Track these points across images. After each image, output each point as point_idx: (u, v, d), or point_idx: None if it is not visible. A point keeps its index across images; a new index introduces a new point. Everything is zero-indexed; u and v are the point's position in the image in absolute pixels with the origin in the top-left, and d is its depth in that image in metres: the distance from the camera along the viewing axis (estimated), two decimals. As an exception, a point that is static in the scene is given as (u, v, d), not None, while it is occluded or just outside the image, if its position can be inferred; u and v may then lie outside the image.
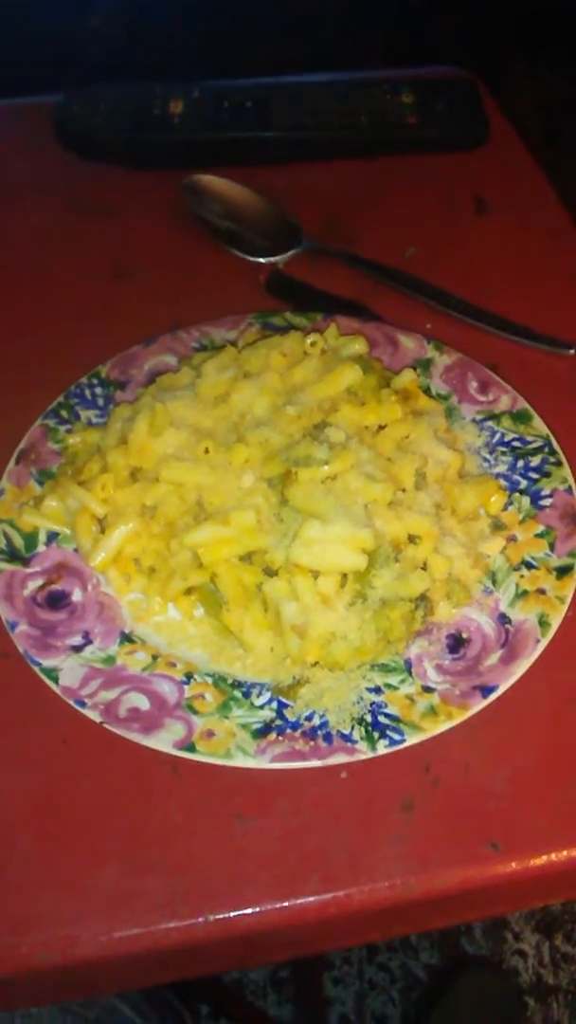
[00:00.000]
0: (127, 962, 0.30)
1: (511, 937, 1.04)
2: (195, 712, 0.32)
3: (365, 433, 0.36)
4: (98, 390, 0.42)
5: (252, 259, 0.50)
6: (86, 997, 0.43)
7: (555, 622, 0.34)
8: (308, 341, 0.39)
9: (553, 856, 0.31)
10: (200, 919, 0.30)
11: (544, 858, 0.31)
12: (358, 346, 0.39)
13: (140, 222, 0.52)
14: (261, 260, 0.50)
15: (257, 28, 1.84)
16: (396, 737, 0.31)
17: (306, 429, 0.36)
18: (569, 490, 0.38)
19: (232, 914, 0.30)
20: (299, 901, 0.30)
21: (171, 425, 0.36)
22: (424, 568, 0.34)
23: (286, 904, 0.30)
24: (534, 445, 0.39)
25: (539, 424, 0.40)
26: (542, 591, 0.35)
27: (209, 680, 0.33)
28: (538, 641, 0.34)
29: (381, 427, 0.37)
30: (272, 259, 0.50)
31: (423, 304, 0.47)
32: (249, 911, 0.30)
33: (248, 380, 0.38)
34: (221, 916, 0.30)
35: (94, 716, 0.32)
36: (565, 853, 0.31)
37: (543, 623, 0.34)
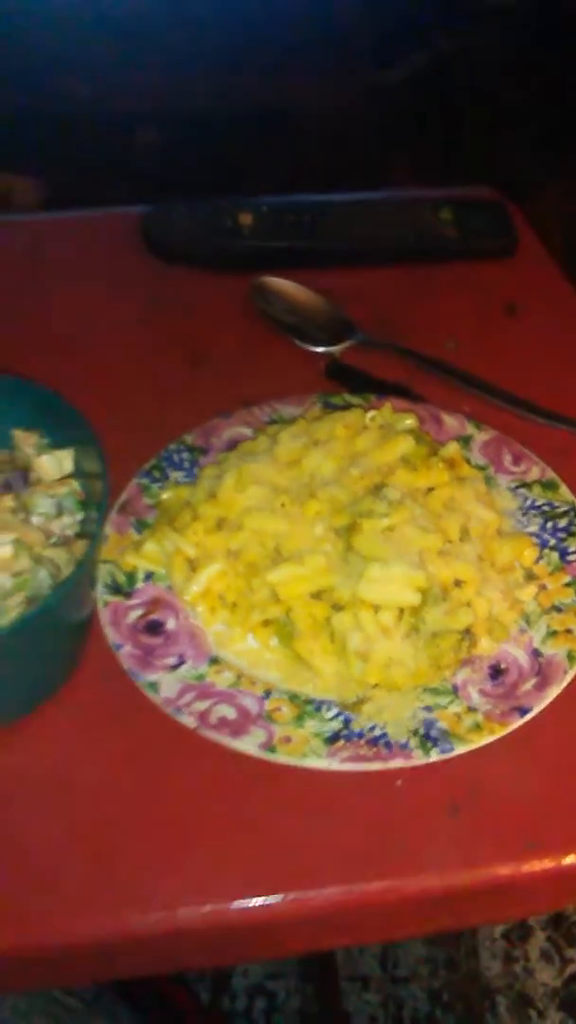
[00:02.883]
0: (216, 934, 0.35)
1: (535, 1015, 1.05)
2: (274, 722, 0.38)
3: (417, 494, 0.43)
4: (184, 455, 0.49)
5: (312, 349, 0.57)
6: (173, 968, 0.46)
7: (582, 655, 0.40)
8: (368, 416, 0.46)
9: (582, 853, 0.36)
10: (280, 897, 0.35)
11: (574, 856, 0.36)
12: (410, 421, 0.46)
13: (214, 317, 0.60)
14: (320, 350, 0.57)
15: (298, 147, 2.00)
16: (446, 747, 0.37)
17: (367, 488, 0.43)
18: (592, 548, 0.44)
19: (308, 893, 0.35)
20: (362, 886, 0.35)
21: (253, 483, 0.43)
22: (468, 607, 0.40)
23: (351, 888, 0.35)
24: (561, 509, 0.46)
25: (565, 492, 0.46)
26: (569, 631, 0.41)
27: (285, 696, 0.39)
28: (566, 672, 0.39)
29: (430, 489, 0.43)
30: (330, 349, 0.57)
31: (462, 389, 0.54)
32: (320, 892, 0.35)
33: (317, 447, 0.45)
34: (297, 895, 0.35)
35: (190, 722, 0.38)
36: (593, 850, 0.36)
37: (571, 657, 0.40)
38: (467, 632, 0.40)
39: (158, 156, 2.35)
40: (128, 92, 2.36)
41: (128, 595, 0.42)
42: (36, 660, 0.37)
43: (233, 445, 0.49)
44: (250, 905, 0.35)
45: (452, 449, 0.45)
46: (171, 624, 0.41)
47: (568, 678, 0.39)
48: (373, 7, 2.38)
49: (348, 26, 2.32)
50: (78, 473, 0.43)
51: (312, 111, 2.32)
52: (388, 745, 0.37)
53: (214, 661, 0.40)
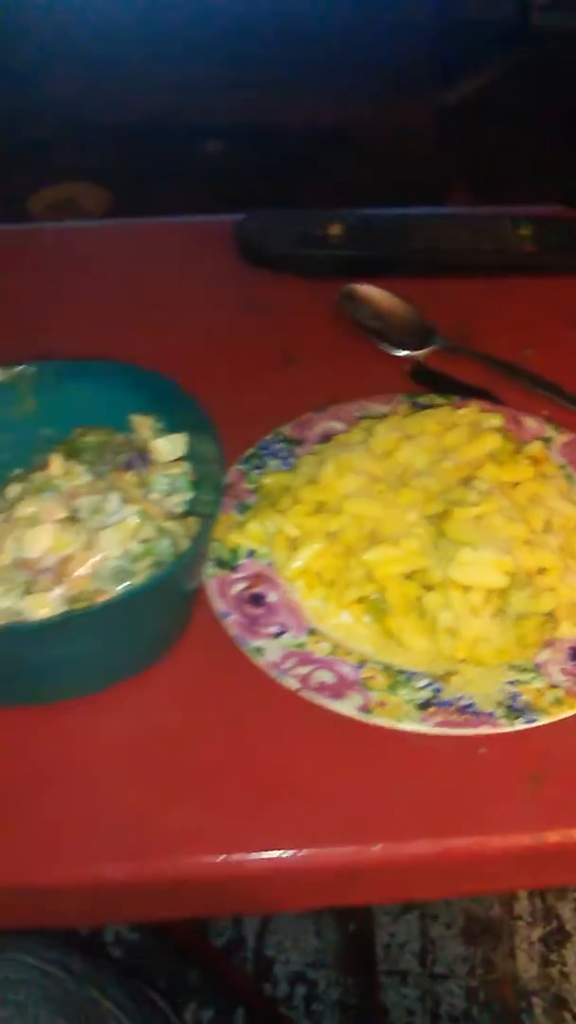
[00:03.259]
0: (310, 877, 0.39)
1: (571, 1018, 1.07)
2: (369, 688, 0.41)
3: (504, 487, 0.46)
4: (281, 445, 0.52)
5: (397, 353, 0.61)
6: (266, 908, 0.49)
7: None
8: (457, 414, 0.49)
9: None
10: (373, 846, 0.38)
11: None
12: (496, 420, 0.50)
13: (304, 320, 0.64)
14: (404, 354, 0.61)
15: (358, 164, 2.05)
16: (531, 717, 0.40)
17: (457, 480, 0.46)
18: None
19: (397, 845, 0.38)
20: (449, 841, 0.39)
21: (351, 471, 0.47)
22: (551, 592, 0.43)
23: (438, 842, 0.38)
24: None
25: None
26: None
27: (378, 666, 0.42)
28: None
29: (515, 484, 0.47)
30: (413, 353, 0.61)
31: (539, 394, 0.57)
32: (409, 844, 0.38)
33: (410, 440, 0.48)
34: (386, 846, 0.38)
35: (293, 684, 0.41)
36: None
37: None
38: (549, 615, 0.43)
39: (223, 169, 2.41)
40: (195, 106, 2.43)
41: (232, 569, 0.46)
42: (157, 619, 0.41)
43: (326, 438, 0.52)
44: (343, 852, 0.38)
45: (536, 447, 0.49)
46: (272, 597, 0.45)
47: None
48: (433, 29, 2.42)
49: (409, 47, 2.36)
50: (189, 456, 0.47)
51: (372, 130, 2.36)
52: (476, 713, 0.40)
53: (312, 632, 0.44)
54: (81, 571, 0.40)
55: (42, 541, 0.40)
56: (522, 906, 1.16)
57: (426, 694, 0.41)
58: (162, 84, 2.40)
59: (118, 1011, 0.50)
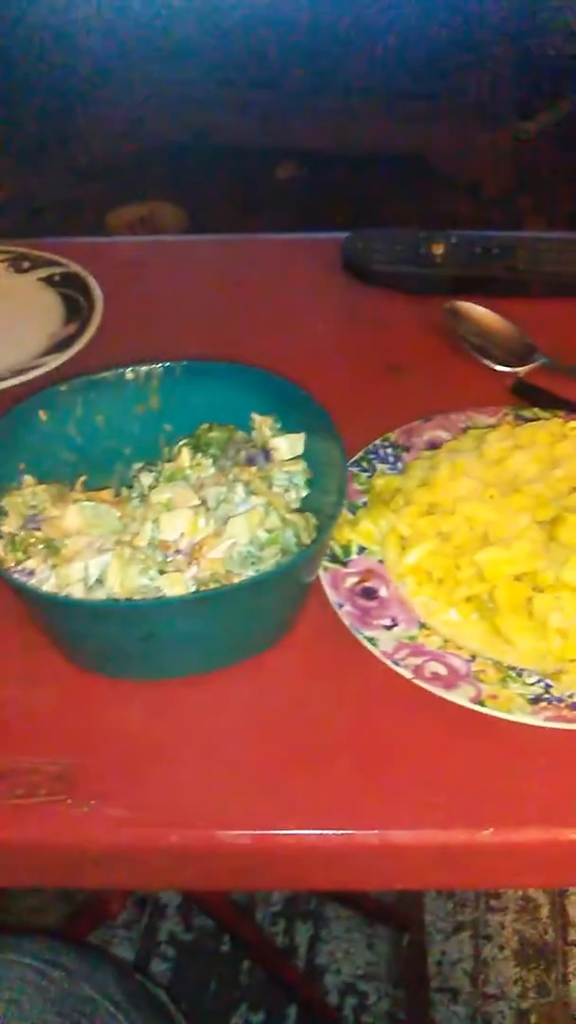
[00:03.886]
0: (420, 856, 0.40)
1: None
2: (481, 681, 0.43)
3: (614, 497, 0.48)
4: (389, 450, 0.55)
5: (499, 368, 0.63)
6: (368, 886, 0.50)
7: None
8: (569, 425, 0.51)
9: None
10: (484, 831, 0.40)
11: None
12: (605, 434, 0.51)
13: (409, 333, 0.66)
14: (506, 369, 0.63)
15: (436, 190, 2.07)
16: None
17: (569, 488, 0.48)
18: None
19: (509, 831, 0.40)
20: (561, 831, 0.40)
21: (464, 475, 0.49)
22: None
23: (550, 831, 0.40)
24: None
25: None
26: None
27: (489, 661, 0.44)
28: None
29: (625, 495, 0.48)
30: (515, 369, 0.63)
31: None
32: (520, 831, 0.40)
33: (521, 449, 0.50)
34: (499, 830, 0.40)
35: (406, 673, 0.43)
36: None
37: None
38: None
39: (300, 189, 2.46)
40: (273, 130, 2.48)
41: (344, 564, 0.48)
42: (281, 603, 0.43)
43: (433, 445, 0.54)
44: (456, 835, 0.40)
45: None
46: (383, 592, 0.47)
47: None
48: (512, 63, 2.46)
49: (489, 79, 2.40)
50: (306, 455, 0.50)
51: (451, 157, 2.39)
52: (586, 711, 0.42)
53: (423, 626, 0.46)
54: (213, 554, 0.42)
55: (178, 525, 0.43)
56: (577, 932, 1.16)
57: (537, 690, 0.43)
58: (240, 108, 2.47)
59: (115, 1009, 0.51)
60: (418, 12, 2.31)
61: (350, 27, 2.38)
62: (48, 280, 0.71)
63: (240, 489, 0.45)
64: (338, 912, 1.15)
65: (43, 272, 0.72)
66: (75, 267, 0.71)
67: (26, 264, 0.73)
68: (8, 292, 0.71)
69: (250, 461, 0.49)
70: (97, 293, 0.68)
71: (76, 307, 0.68)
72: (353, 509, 0.51)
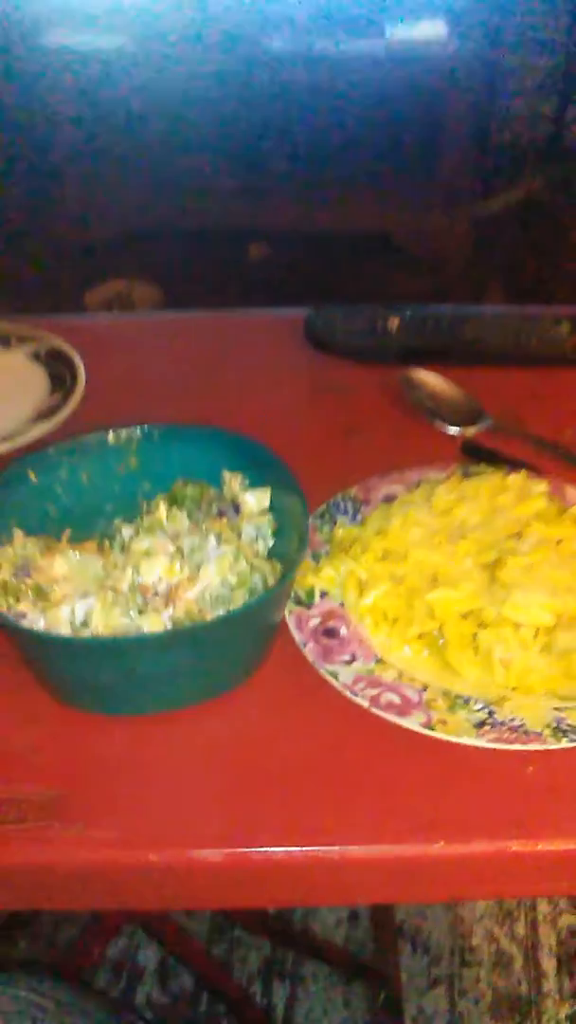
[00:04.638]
0: (381, 868, 0.44)
1: None
2: (431, 709, 0.47)
3: (550, 542, 0.53)
4: (348, 504, 0.60)
5: (449, 430, 0.68)
6: (335, 902, 0.53)
7: None
8: (508, 479, 0.57)
9: None
10: (435, 844, 0.44)
11: None
12: (542, 487, 0.57)
13: (367, 399, 0.72)
14: (456, 431, 0.68)
15: (401, 266, 2.17)
16: (574, 737, 0.46)
17: (508, 535, 0.53)
18: None
19: (456, 844, 0.44)
20: (507, 843, 0.44)
21: (415, 524, 0.54)
22: (591, 632, 0.49)
23: (496, 844, 0.44)
24: None
25: None
26: None
27: (439, 691, 0.48)
28: None
29: (559, 540, 0.53)
30: (464, 430, 0.68)
31: (577, 470, 0.65)
32: (469, 844, 0.44)
33: (466, 500, 0.55)
34: (448, 844, 0.44)
35: (364, 703, 0.47)
36: None
37: None
38: (590, 651, 0.49)
39: (271, 268, 2.56)
40: (246, 213, 2.60)
41: (308, 606, 0.53)
42: (249, 640, 0.48)
43: (389, 498, 0.59)
44: (408, 849, 0.44)
45: (577, 510, 0.55)
46: (344, 631, 0.52)
47: None
48: (474, 146, 2.60)
49: (451, 161, 2.53)
50: (272, 508, 0.54)
51: (415, 235, 2.51)
52: (526, 732, 0.46)
53: (379, 661, 0.50)
54: (188, 596, 0.47)
55: (156, 570, 0.47)
56: (550, 983, 1.17)
57: (481, 715, 0.47)
58: (213, 193, 2.58)
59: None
60: (382, 100, 2.45)
61: (319, 115, 2.51)
62: (34, 355, 0.76)
63: (212, 539, 0.50)
64: (315, 970, 1.16)
65: (29, 348, 0.77)
66: (58, 342, 0.77)
67: (13, 341, 0.78)
68: (-4, 366, 0.76)
69: (221, 514, 0.53)
70: (79, 366, 0.74)
71: (60, 379, 0.73)
72: (316, 557, 0.56)
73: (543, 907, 1.27)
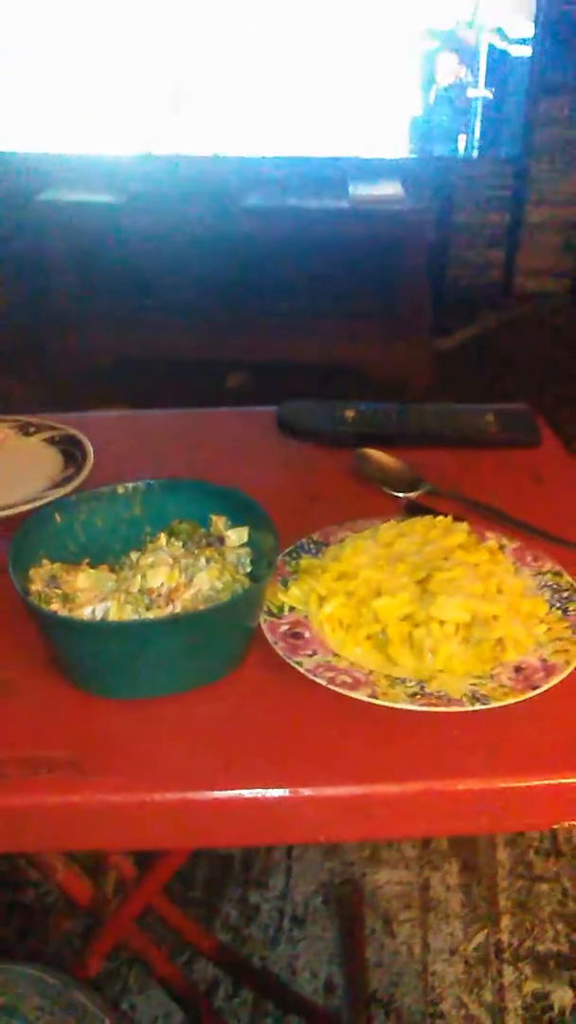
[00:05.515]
0: (331, 805, 0.56)
1: None
2: (375, 685, 0.60)
3: (469, 564, 0.67)
4: (311, 545, 0.74)
5: (395, 494, 0.83)
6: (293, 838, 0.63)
7: (574, 662, 0.62)
8: (437, 520, 0.71)
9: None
10: (377, 785, 0.55)
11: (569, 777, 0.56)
12: (465, 525, 0.71)
13: (326, 472, 0.87)
14: (400, 495, 0.83)
15: (365, 393, 2.39)
16: (485, 701, 0.59)
17: (436, 559, 0.67)
18: (584, 608, 0.67)
19: (397, 784, 0.56)
20: (434, 783, 0.56)
21: (363, 552, 0.68)
22: (499, 626, 0.63)
23: (429, 783, 0.56)
24: (564, 586, 0.69)
25: (568, 577, 0.70)
26: (567, 651, 0.63)
27: (381, 675, 0.61)
28: (563, 670, 0.61)
29: (477, 564, 0.67)
30: (407, 494, 0.83)
31: (498, 524, 0.79)
32: (407, 783, 0.56)
33: (403, 535, 0.69)
34: (389, 784, 0.55)
35: (322, 682, 0.60)
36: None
37: (567, 663, 0.62)
38: (499, 642, 0.62)
39: (247, 396, 2.77)
40: (220, 346, 2.83)
41: (279, 617, 0.66)
42: (232, 633, 0.61)
43: (343, 540, 0.73)
44: (359, 789, 0.56)
45: (492, 543, 0.70)
46: (307, 635, 0.65)
47: (566, 672, 0.61)
48: (432, 289, 2.87)
49: (411, 302, 2.80)
50: (250, 543, 0.68)
51: (379, 367, 2.75)
52: (449, 699, 0.59)
53: (335, 655, 0.63)
54: (185, 596, 0.60)
55: (159, 577, 0.61)
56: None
57: (414, 689, 0.60)
58: (195, 328, 2.82)
59: (102, 1015, 0.64)
60: (348, 248, 2.74)
61: (292, 261, 2.79)
62: (50, 440, 0.91)
63: (203, 559, 0.64)
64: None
65: (45, 435, 0.92)
66: (70, 430, 0.92)
67: (32, 429, 0.93)
68: (18, 449, 0.91)
69: (209, 544, 0.67)
70: (88, 447, 0.89)
71: (72, 457, 0.88)
72: (285, 582, 0.69)
73: (508, 974, 1.33)
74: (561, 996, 1.31)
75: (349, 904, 1.41)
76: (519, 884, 1.45)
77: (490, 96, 2.73)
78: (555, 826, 0.59)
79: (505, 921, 1.40)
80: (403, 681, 0.61)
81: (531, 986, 1.32)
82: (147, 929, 1.16)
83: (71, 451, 0.89)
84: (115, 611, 0.60)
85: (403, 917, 1.41)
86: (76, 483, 0.83)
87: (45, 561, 0.66)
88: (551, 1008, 1.29)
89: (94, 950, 0.88)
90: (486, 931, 1.39)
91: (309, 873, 1.46)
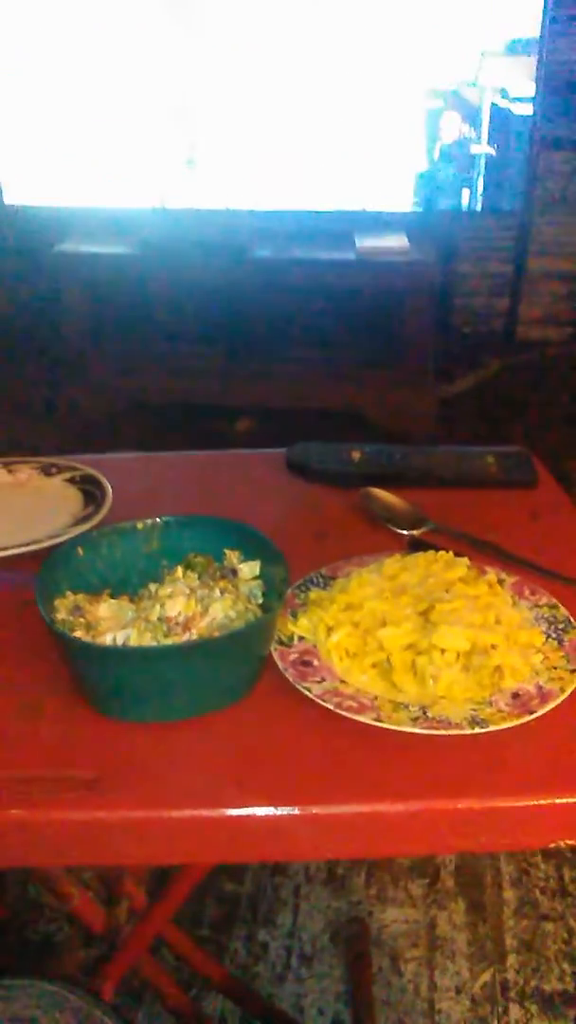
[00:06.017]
0: (338, 825, 0.59)
1: None
2: (380, 710, 0.63)
3: (469, 597, 0.71)
4: (320, 578, 0.78)
5: (399, 531, 0.87)
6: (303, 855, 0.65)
7: (568, 690, 0.65)
8: (439, 554, 0.75)
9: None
10: (382, 804, 0.59)
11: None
12: (465, 560, 0.75)
13: (334, 511, 0.91)
14: (404, 532, 0.87)
15: (370, 439, 2.44)
16: (484, 725, 0.62)
17: (438, 591, 0.71)
18: (578, 639, 0.70)
19: (404, 803, 0.59)
20: (435, 802, 0.59)
21: (369, 584, 0.72)
22: (497, 655, 0.67)
23: (428, 803, 0.59)
24: (560, 618, 0.73)
25: (563, 610, 0.74)
26: (562, 678, 0.66)
27: (386, 700, 0.65)
28: (558, 696, 0.65)
29: (476, 596, 0.71)
30: (411, 531, 0.87)
31: (499, 560, 0.83)
32: (411, 802, 0.59)
33: (406, 569, 0.73)
34: (396, 803, 0.59)
35: (330, 706, 0.64)
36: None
37: (561, 690, 0.65)
38: (497, 668, 0.66)
39: (255, 441, 2.83)
40: (235, 392, 2.90)
41: (289, 646, 0.70)
42: (245, 659, 0.64)
43: (350, 575, 0.77)
44: (365, 808, 0.59)
45: (492, 576, 0.74)
46: (316, 662, 0.68)
47: (561, 698, 0.64)
48: (437, 337, 2.94)
49: (415, 351, 2.86)
50: (261, 575, 0.72)
51: (385, 413, 2.80)
52: (450, 723, 0.62)
53: (342, 682, 0.67)
54: (201, 624, 0.64)
55: (177, 606, 0.65)
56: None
57: (417, 713, 0.63)
58: (205, 374, 2.89)
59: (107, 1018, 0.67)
60: (354, 298, 2.81)
61: (300, 311, 2.87)
62: (71, 480, 0.96)
63: (217, 590, 0.68)
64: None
65: (67, 475, 0.97)
66: (90, 470, 0.97)
67: (53, 470, 0.98)
68: (41, 489, 0.95)
69: (223, 577, 0.71)
70: (107, 486, 0.93)
71: (92, 496, 0.92)
72: (295, 613, 0.73)
73: (515, 1013, 1.34)
74: (567, 1035, 1.31)
75: (356, 942, 1.42)
76: (525, 923, 1.46)
77: (493, 152, 2.82)
78: (551, 845, 0.62)
79: (511, 960, 1.41)
80: (406, 706, 0.64)
81: (537, 1025, 1.32)
82: (159, 961, 1.18)
83: (91, 490, 0.94)
84: (135, 638, 0.63)
85: (409, 955, 1.42)
86: (97, 520, 0.88)
87: (69, 592, 0.70)
88: (557, 1047, 1.30)
89: (107, 976, 0.90)
90: (492, 970, 1.39)
91: (316, 912, 1.48)
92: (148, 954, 1.02)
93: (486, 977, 1.38)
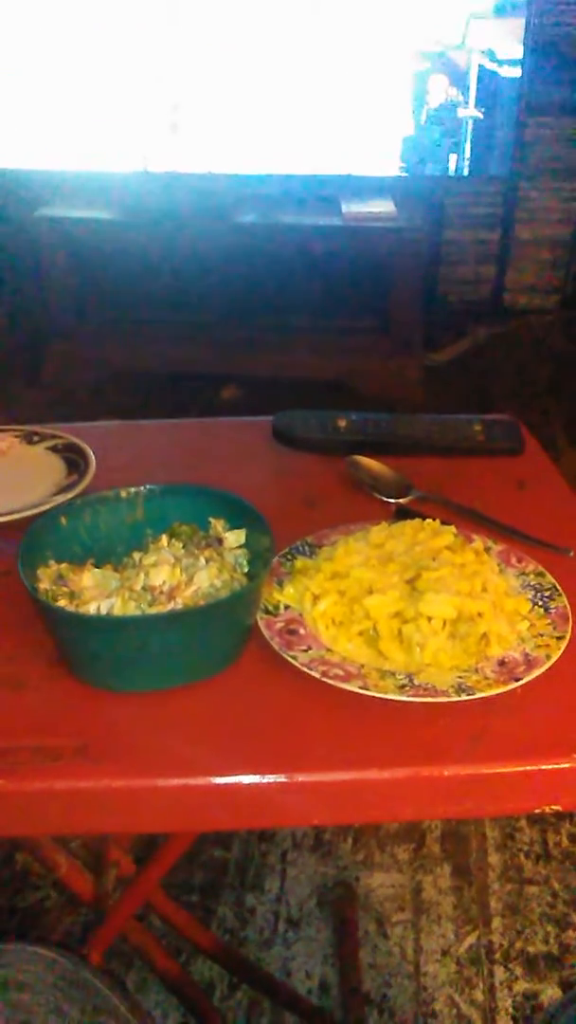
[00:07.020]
0: (325, 791, 0.59)
1: None
2: (366, 677, 0.63)
3: (455, 564, 0.70)
4: (306, 547, 0.77)
5: (385, 499, 0.87)
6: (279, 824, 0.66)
7: (554, 657, 0.65)
8: (426, 523, 0.75)
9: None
10: (369, 771, 0.59)
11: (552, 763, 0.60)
12: (452, 527, 0.75)
13: (320, 479, 0.91)
14: (391, 500, 0.87)
15: (358, 409, 2.43)
16: (470, 692, 0.62)
17: (424, 558, 0.70)
18: (563, 607, 0.70)
19: (388, 770, 0.59)
20: (425, 768, 0.59)
21: (355, 552, 0.71)
22: (484, 622, 0.66)
23: (417, 770, 0.59)
24: (546, 586, 0.72)
25: (549, 578, 0.73)
26: (548, 645, 0.66)
27: (372, 668, 0.65)
28: (544, 663, 0.64)
29: (463, 564, 0.71)
30: (397, 500, 0.87)
31: (484, 527, 0.83)
32: (395, 769, 0.59)
33: (393, 536, 0.73)
34: (381, 770, 0.59)
35: (317, 675, 0.63)
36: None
37: (547, 657, 0.65)
38: (484, 636, 0.66)
39: (239, 409, 2.82)
40: (219, 361, 2.87)
41: (275, 615, 0.69)
42: (229, 628, 0.64)
43: (336, 543, 0.77)
44: (350, 775, 0.59)
45: (478, 544, 0.73)
46: (302, 631, 0.68)
47: (546, 665, 0.64)
48: (422, 305, 2.92)
49: (403, 319, 2.84)
50: (247, 544, 0.72)
51: (369, 382, 2.79)
52: (436, 691, 0.62)
53: (328, 650, 0.66)
54: (185, 594, 0.63)
55: (161, 575, 0.64)
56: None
57: (403, 681, 0.63)
58: (193, 342, 2.86)
59: (108, 992, 0.67)
60: (340, 265, 2.78)
61: (285, 278, 2.84)
62: (53, 448, 0.95)
63: (202, 559, 0.67)
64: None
65: (49, 443, 0.95)
66: (72, 439, 0.95)
67: (36, 438, 0.97)
68: (23, 457, 0.94)
69: (208, 546, 0.71)
70: (90, 454, 0.92)
71: (75, 465, 0.91)
72: (280, 582, 0.72)
73: (499, 974, 1.36)
74: (550, 995, 1.33)
75: (343, 906, 1.44)
76: (509, 887, 1.48)
77: (480, 116, 2.79)
78: (536, 811, 0.62)
79: (496, 923, 1.42)
80: (393, 674, 0.64)
81: (521, 986, 1.34)
82: (148, 927, 1.19)
83: (74, 459, 0.92)
84: (119, 607, 0.63)
85: (396, 919, 1.43)
86: (80, 488, 0.87)
87: (52, 562, 0.69)
88: (540, 1007, 1.32)
89: (95, 942, 0.91)
90: (477, 933, 1.41)
91: (303, 877, 1.49)
92: (136, 920, 1.03)
93: (471, 940, 1.40)
